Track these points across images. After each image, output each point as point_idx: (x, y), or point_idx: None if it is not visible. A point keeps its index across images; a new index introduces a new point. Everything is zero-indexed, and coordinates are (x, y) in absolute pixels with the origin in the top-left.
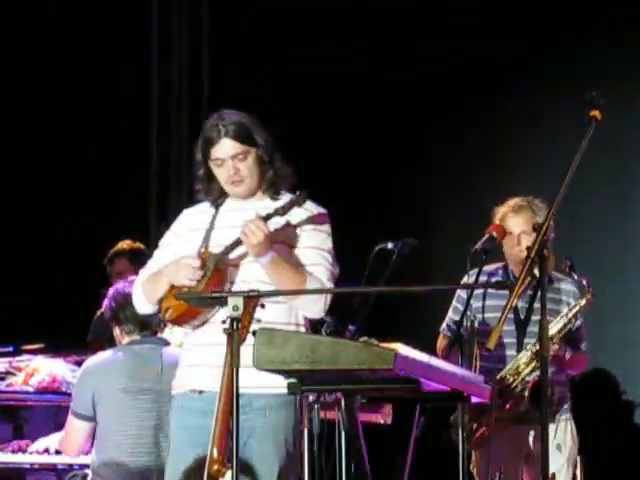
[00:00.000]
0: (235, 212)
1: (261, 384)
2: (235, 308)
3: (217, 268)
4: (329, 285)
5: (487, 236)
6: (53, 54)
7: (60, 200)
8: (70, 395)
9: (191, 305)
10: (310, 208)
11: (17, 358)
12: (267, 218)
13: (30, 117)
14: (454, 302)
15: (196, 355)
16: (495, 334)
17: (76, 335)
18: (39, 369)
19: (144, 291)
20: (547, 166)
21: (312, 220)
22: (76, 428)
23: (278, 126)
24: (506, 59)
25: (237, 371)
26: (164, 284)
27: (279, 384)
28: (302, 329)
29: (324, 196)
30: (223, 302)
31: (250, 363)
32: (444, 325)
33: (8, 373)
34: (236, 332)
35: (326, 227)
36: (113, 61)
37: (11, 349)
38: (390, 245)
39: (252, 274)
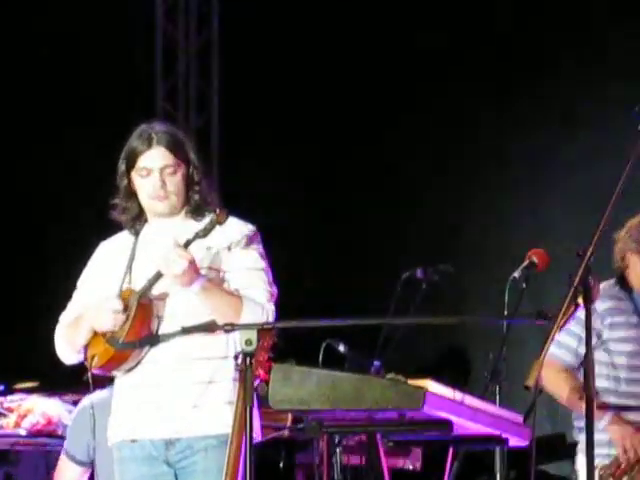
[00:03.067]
0: (156, 236)
1: (201, 425)
2: (248, 342)
3: (141, 304)
4: (270, 307)
5: (527, 262)
6: None
7: None
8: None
9: (117, 350)
10: (236, 226)
11: (8, 397)
12: (188, 244)
13: None
14: (565, 334)
15: (127, 400)
16: (535, 369)
17: (73, 371)
18: (32, 410)
19: (65, 339)
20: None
21: (240, 239)
22: (69, 473)
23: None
24: None
25: (251, 410)
26: (85, 330)
27: (220, 423)
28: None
29: (342, 218)
30: (153, 341)
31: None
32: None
33: None
34: (249, 369)
35: (256, 245)
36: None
37: (1, 388)
38: (419, 272)
39: (179, 307)
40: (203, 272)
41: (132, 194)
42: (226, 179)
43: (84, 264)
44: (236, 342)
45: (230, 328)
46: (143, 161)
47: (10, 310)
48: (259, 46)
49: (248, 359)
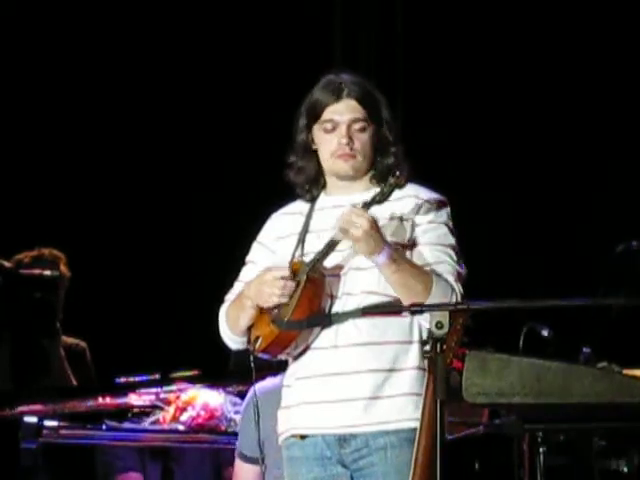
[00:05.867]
0: (334, 209)
1: (380, 419)
2: (439, 325)
3: (310, 279)
4: (459, 287)
5: None
6: None
7: None
8: (230, 435)
9: (283, 330)
10: (420, 194)
11: (166, 388)
12: (367, 206)
13: None
14: None
15: (296, 392)
16: None
17: (238, 358)
18: (193, 402)
19: (229, 320)
20: None
21: (426, 210)
22: (243, 474)
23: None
24: None
25: (442, 404)
26: (249, 308)
27: (401, 417)
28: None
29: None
30: (325, 322)
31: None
32: None
33: (155, 407)
34: (440, 356)
35: (445, 217)
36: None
37: (158, 377)
38: (635, 244)
39: (358, 284)
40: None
41: (312, 152)
42: None
43: (253, 237)
44: (422, 325)
45: (418, 309)
46: (330, 113)
47: (168, 291)
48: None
49: (438, 345)
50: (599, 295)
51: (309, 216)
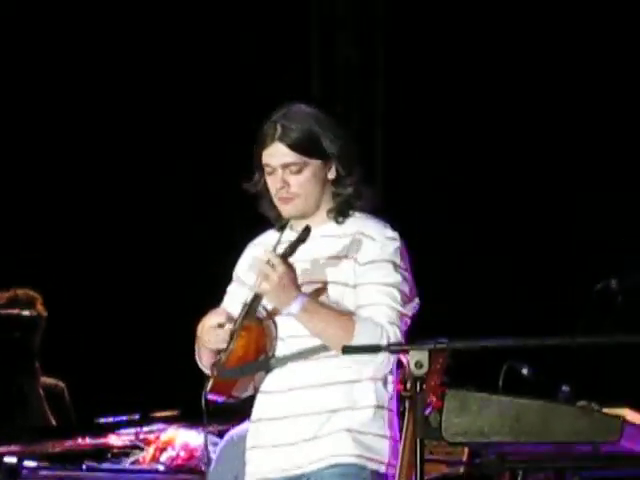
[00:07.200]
0: (294, 238)
1: (320, 456)
2: (418, 364)
3: (245, 327)
4: (391, 328)
5: None
6: None
7: None
8: None
9: (219, 377)
10: (367, 230)
11: (145, 428)
12: (287, 254)
13: None
14: None
15: (250, 435)
16: None
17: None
18: (172, 442)
19: (197, 355)
20: None
21: (369, 247)
22: None
23: None
24: None
25: (422, 443)
26: (203, 348)
27: (342, 452)
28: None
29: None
30: (263, 367)
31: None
32: None
33: (134, 447)
34: (420, 396)
35: (390, 254)
36: None
37: (138, 417)
38: (614, 283)
39: (302, 326)
40: (306, 289)
41: (266, 187)
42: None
43: (231, 270)
44: (378, 362)
45: (397, 349)
46: (265, 157)
47: (148, 331)
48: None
49: (419, 384)
50: (578, 333)
51: (274, 249)
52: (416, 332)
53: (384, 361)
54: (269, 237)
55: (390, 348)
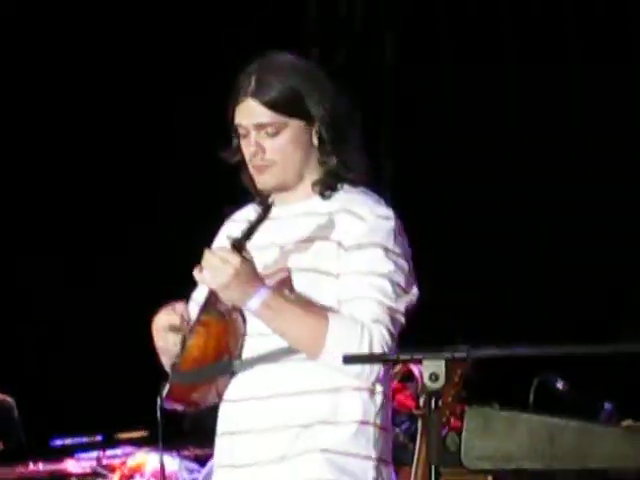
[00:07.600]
0: (274, 222)
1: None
2: (433, 377)
3: (203, 323)
4: (376, 326)
5: None
6: None
7: None
8: None
9: (175, 382)
10: (354, 207)
11: (109, 452)
12: (241, 240)
13: None
14: None
15: (216, 453)
16: None
17: (195, 418)
18: (141, 469)
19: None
20: None
21: (357, 228)
22: None
23: None
24: None
25: (437, 471)
26: (159, 350)
27: (314, 476)
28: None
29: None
30: (228, 372)
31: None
32: None
33: (96, 475)
34: (436, 414)
35: (382, 237)
36: None
37: (100, 439)
38: None
39: None
40: (273, 279)
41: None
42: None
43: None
44: (351, 369)
45: (407, 358)
46: (237, 116)
47: (111, 340)
48: None
49: (434, 400)
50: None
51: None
52: (430, 337)
53: (367, 367)
54: (249, 213)
55: (399, 358)
